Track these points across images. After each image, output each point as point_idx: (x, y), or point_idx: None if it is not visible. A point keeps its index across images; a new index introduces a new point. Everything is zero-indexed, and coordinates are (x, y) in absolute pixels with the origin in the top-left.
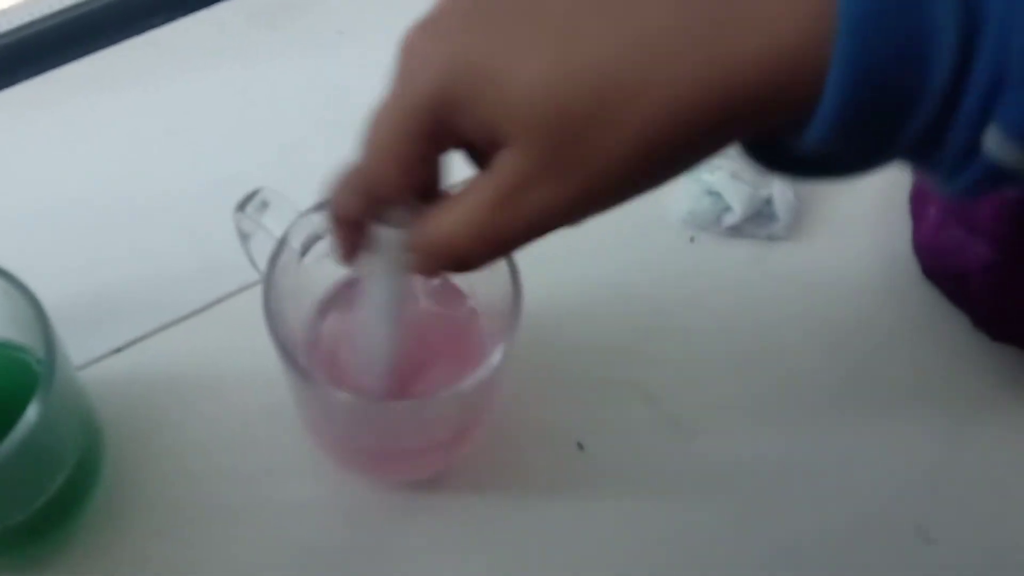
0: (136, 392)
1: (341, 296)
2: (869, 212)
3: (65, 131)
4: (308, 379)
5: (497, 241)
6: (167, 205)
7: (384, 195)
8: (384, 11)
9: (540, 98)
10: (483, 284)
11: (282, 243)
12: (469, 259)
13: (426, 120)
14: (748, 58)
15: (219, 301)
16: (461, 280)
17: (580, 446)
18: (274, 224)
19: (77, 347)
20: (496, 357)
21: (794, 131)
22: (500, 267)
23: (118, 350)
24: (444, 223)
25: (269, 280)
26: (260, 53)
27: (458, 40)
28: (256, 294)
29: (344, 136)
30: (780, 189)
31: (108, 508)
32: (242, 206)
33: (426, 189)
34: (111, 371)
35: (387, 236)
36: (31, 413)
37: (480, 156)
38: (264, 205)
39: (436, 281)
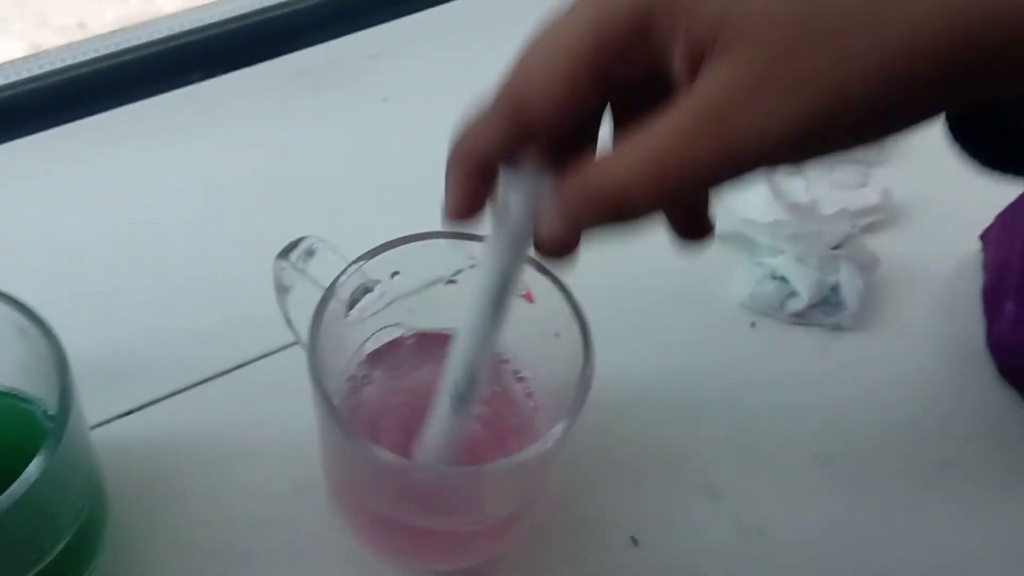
0: (149, 458)
1: (386, 358)
2: (940, 305)
3: (98, 180)
4: (353, 438)
5: (684, 177)
6: (197, 262)
7: (536, 123)
8: (429, 79)
9: None
10: (543, 360)
11: (329, 294)
12: (638, 203)
13: (623, 27)
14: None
15: (243, 364)
16: (521, 355)
17: (634, 541)
18: (318, 274)
19: (89, 404)
20: (558, 431)
21: None
22: (567, 337)
23: (132, 411)
24: (617, 161)
25: (316, 330)
26: (301, 114)
27: None
28: (284, 359)
29: (383, 201)
30: (848, 276)
31: None
32: (285, 254)
33: (577, 136)
34: (123, 433)
35: (526, 182)
36: (34, 468)
37: (647, 99)
38: (309, 254)
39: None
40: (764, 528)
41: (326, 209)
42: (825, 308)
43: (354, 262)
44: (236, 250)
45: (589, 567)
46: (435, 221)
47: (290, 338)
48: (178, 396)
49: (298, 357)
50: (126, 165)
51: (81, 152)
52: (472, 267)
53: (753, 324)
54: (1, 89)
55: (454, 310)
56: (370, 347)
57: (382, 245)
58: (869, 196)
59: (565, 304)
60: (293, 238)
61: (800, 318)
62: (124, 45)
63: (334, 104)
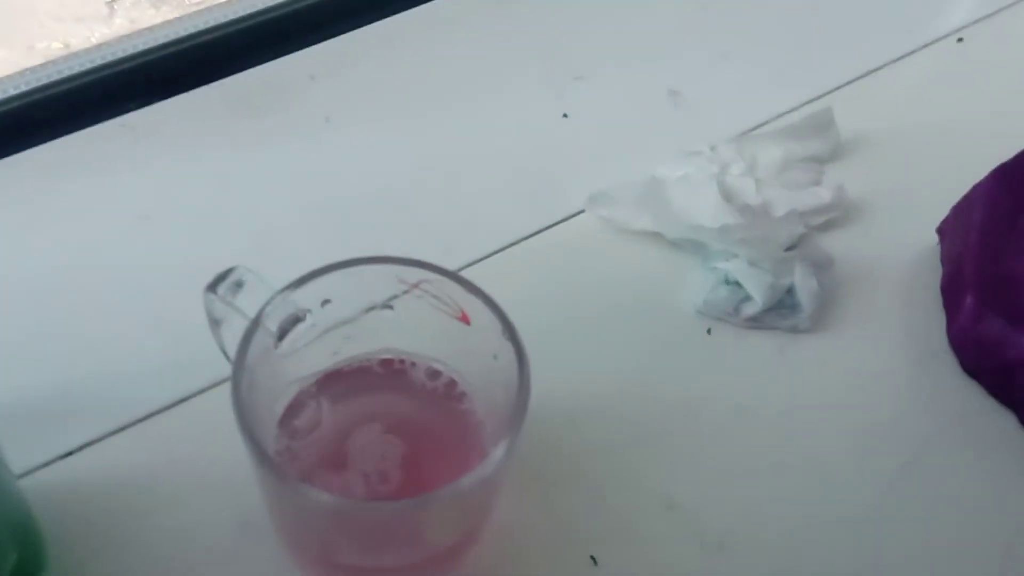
0: (87, 501)
1: (325, 388)
2: (899, 302)
3: (29, 216)
4: (284, 479)
5: None
6: (132, 295)
7: None
8: (371, 96)
9: None
10: (483, 380)
11: (255, 324)
12: None
13: None
14: None
15: (185, 399)
16: (462, 377)
17: (593, 560)
18: (248, 306)
19: (20, 449)
20: (498, 453)
21: None
22: (504, 358)
23: (68, 453)
24: None
25: (240, 364)
26: (242, 139)
27: None
28: (224, 393)
29: (323, 226)
30: (802, 277)
31: None
32: (213, 287)
33: None
34: (59, 477)
35: None
36: None
37: None
38: (238, 285)
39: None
40: (725, 540)
41: (264, 237)
42: (780, 311)
43: (280, 292)
44: (172, 283)
45: None
46: (374, 246)
47: (230, 371)
48: (116, 435)
49: None
50: (60, 200)
51: (10, 188)
52: (406, 292)
53: (709, 331)
54: None
55: (392, 335)
56: (308, 377)
57: (309, 273)
58: (822, 194)
59: (498, 325)
60: (228, 267)
61: (756, 322)
62: (56, 76)
63: (275, 127)
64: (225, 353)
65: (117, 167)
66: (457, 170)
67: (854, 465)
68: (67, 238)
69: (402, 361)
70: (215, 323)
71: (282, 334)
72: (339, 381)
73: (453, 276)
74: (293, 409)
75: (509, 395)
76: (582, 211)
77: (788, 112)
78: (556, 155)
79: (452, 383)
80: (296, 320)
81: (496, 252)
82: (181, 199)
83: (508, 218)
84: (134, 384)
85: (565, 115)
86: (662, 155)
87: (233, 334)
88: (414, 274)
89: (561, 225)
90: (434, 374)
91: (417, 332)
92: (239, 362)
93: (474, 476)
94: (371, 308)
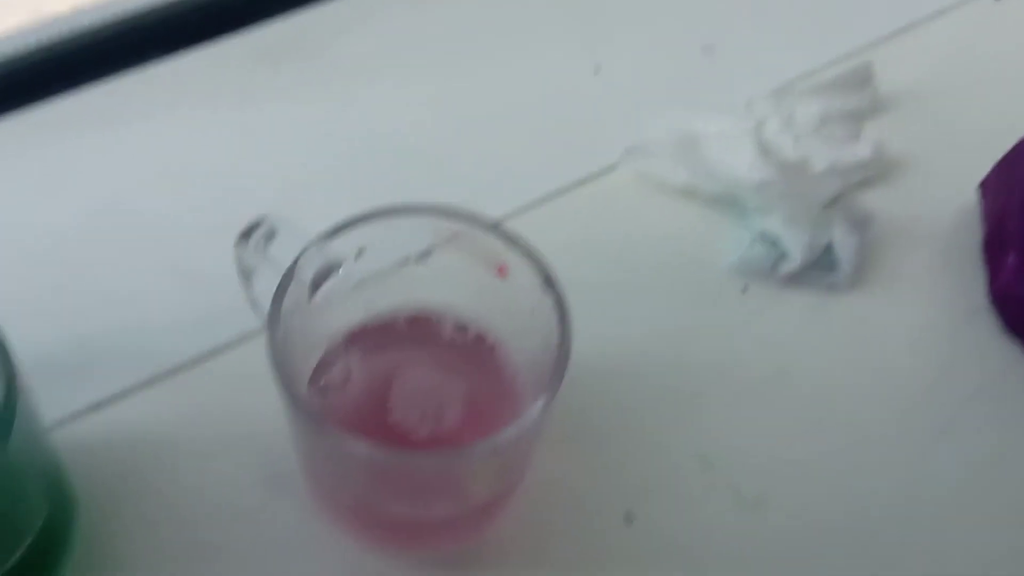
0: (116, 454)
1: (358, 341)
2: (939, 259)
3: (54, 168)
4: (322, 428)
5: None
6: (160, 248)
7: None
8: (397, 51)
9: None
10: (519, 334)
11: (289, 276)
12: None
13: None
14: None
15: (214, 353)
16: (493, 331)
17: (628, 517)
18: (281, 256)
19: (50, 401)
20: (537, 407)
21: None
22: (542, 312)
23: (97, 406)
24: None
25: (275, 316)
26: (264, 92)
27: None
28: (257, 346)
29: (350, 177)
30: (842, 234)
31: None
32: (245, 236)
33: None
34: (88, 430)
35: None
36: None
37: None
38: (271, 234)
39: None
40: (763, 498)
41: (291, 189)
42: (818, 269)
43: (314, 241)
44: (200, 235)
45: (582, 547)
46: (404, 198)
47: (259, 324)
48: (145, 389)
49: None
50: (81, 153)
51: (33, 141)
52: (442, 244)
53: (744, 289)
54: None
55: (425, 289)
56: (341, 330)
57: (345, 222)
58: (861, 150)
59: (538, 278)
60: (248, 222)
61: (793, 280)
62: (77, 28)
63: (300, 80)
64: (255, 306)
65: (140, 119)
66: (487, 125)
67: (893, 424)
68: (91, 191)
69: (428, 316)
70: (245, 274)
71: (316, 286)
72: (366, 337)
73: (492, 228)
74: (322, 367)
75: (547, 350)
76: (617, 166)
77: (826, 67)
78: (589, 110)
79: (480, 337)
80: (330, 271)
81: (528, 208)
82: (204, 152)
83: (540, 173)
84: (160, 338)
85: (598, 69)
86: (697, 110)
87: (262, 286)
88: (451, 225)
89: (595, 180)
90: (462, 328)
91: (451, 285)
92: (274, 314)
93: (514, 429)
94: (405, 260)
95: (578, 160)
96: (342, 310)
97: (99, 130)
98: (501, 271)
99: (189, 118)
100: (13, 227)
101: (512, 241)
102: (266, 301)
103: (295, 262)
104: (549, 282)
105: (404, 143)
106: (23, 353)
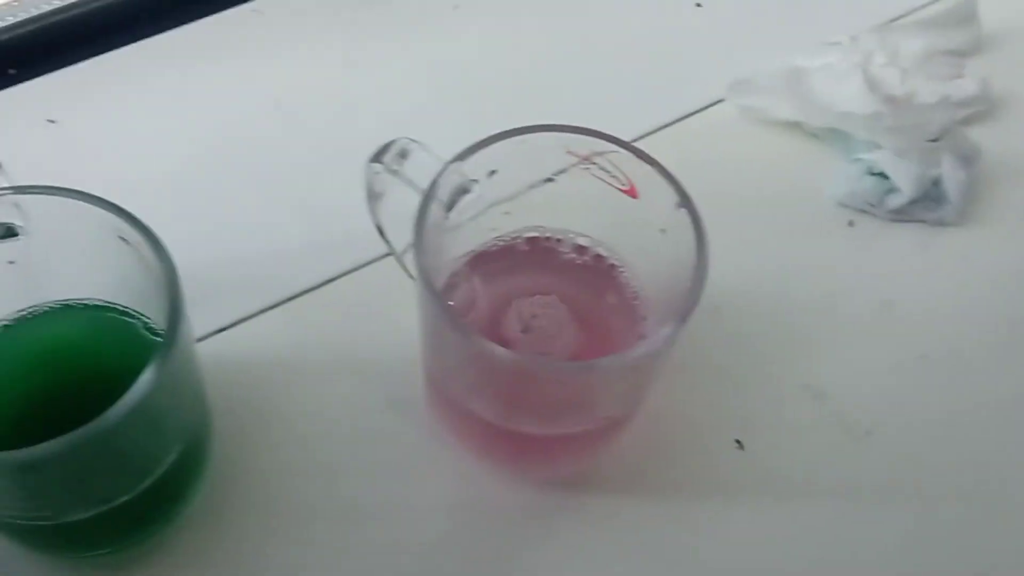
0: (247, 375)
1: (483, 262)
2: None
3: (165, 102)
4: (469, 335)
5: None
6: (278, 178)
7: None
8: None
9: None
10: (647, 256)
11: (431, 193)
12: None
13: None
14: None
15: (334, 279)
16: (615, 251)
17: (739, 444)
18: (415, 176)
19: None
20: (669, 330)
21: None
22: (675, 231)
23: (224, 328)
24: None
25: (420, 229)
26: (370, 25)
27: None
28: (375, 272)
29: (460, 106)
30: (950, 168)
31: (215, 498)
32: (378, 156)
33: None
34: (220, 349)
35: None
36: (147, 378)
37: None
38: (403, 155)
39: (584, 253)
40: (871, 428)
41: (406, 116)
42: (927, 203)
43: (451, 161)
44: (320, 162)
45: (694, 471)
46: (522, 119)
47: (381, 249)
48: (272, 311)
49: (390, 269)
50: (197, 83)
51: (150, 71)
52: (574, 165)
53: (851, 223)
54: (59, 10)
55: (551, 212)
56: (468, 251)
57: (480, 142)
58: (967, 86)
59: (673, 196)
60: (378, 144)
61: (900, 215)
62: None
63: (404, 13)
64: (380, 229)
65: (248, 52)
66: (590, 60)
67: (998, 358)
68: (203, 123)
69: (547, 238)
70: (374, 196)
71: (451, 205)
72: (487, 261)
73: (626, 145)
74: (446, 292)
75: (678, 270)
76: (722, 100)
77: (930, 3)
78: (691, 44)
79: (600, 256)
80: (464, 191)
81: (634, 141)
82: (315, 82)
83: (645, 108)
84: (289, 262)
85: (698, 4)
86: (801, 45)
87: (388, 211)
88: (584, 143)
89: (700, 114)
90: (581, 249)
91: (580, 207)
92: (419, 229)
93: (644, 348)
94: (534, 183)
95: (682, 95)
96: (472, 231)
97: (208, 62)
98: (632, 192)
99: (302, 49)
100: (140, 154)
101: (647, 159)
102: (391, 224)
103: (435, 180)
104: (685, 200)
105: (503, 77)
106: None
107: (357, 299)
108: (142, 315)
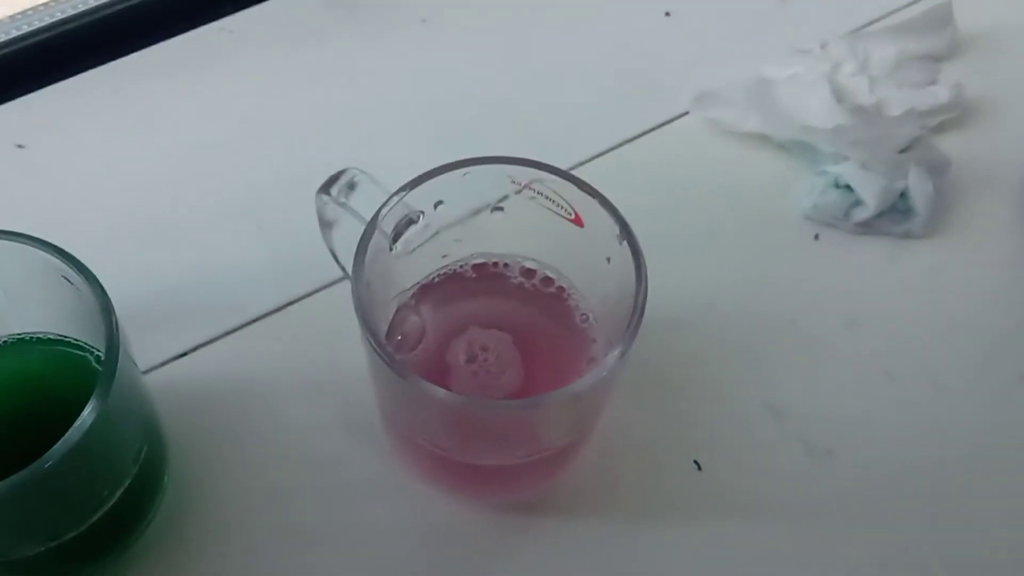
0: (202, 401)
1: (434, 290)
2: (1016, 208)
3: (134, 121)
4: (407, 376)
5: None
6: (237, 200)
7: None
8: (466, 3)
9: None
10: (595, 283)
11: (372, 227)
12: None
13: None
14: None
15: (292, 303)
16: (563, 276)
17: (697, 465)
18: (361, 207)
19: (140, 348)
20: (613, 358)
21: None
22: (618, 260)
23: (183, 355)
24: None
25: (359, 265)
26: (338, 41)
27: None
28: (333, 295)
29: (424, 128)
30: (917, 180)
31: (170, 526)
32: (326, 188)
33: None
34: (175, 377)
35: None
36: (89, 412)
37: None
38: (351, 187)
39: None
40: (832, 448)
41: (367, 139)
42: (893, 216)
43: (396, 193)
44: (278, 186)
45: (652, 493)
46: (477, 148)
47: (338, 274)
48: (229, 336)
49: (347, 293)
50: (162, 104)
51: (116, 93)
52: (518, 192)
53: (816, 236)
54: (28, 35)
55: (501, 238)
56: (418, 280)
57: (424, 174)
58: (939, 94)
59: (614, 226)
60: (334, 170)
61: (866, 228)
62: None
63: (371, 29)
64: (335, 256)
65: (215, 71)
66: (556, 72)
67: (966, 375)
68: (169, 142)
69: (495, 263)
70: (326, 225)
71: (396, 236)
72: (435, 290)
73: (568, 176)
74: (397, 319)
75: (623, 298)
76: (687, 113)
77: (903, 7)
78: (659, 55)
79: (548, 279)
80: (410, 222)
81: (598, 155)
82: (279, 101)
83: (610, 120)
84: (244, 287)
85: (667, 13)
86: (770, 54)
87: (343, 236)
88: (527, 174)
89: (665, 127)
90: (529, 272)
91: (527, 234)
92: (358, 262)
93: (588, 380)
94: (481, 209)
95: (648, 107)
96: (419, 261)
97: (175, 82)
98: (577, 220)
99: (268, 67)
100: (99, 181)
101: (588, 190)
102: (346, 250)
103: (378, 212)
104: (626, 231)
105: (472, 92)
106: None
107: (315, 323)
108: (94, 348)
